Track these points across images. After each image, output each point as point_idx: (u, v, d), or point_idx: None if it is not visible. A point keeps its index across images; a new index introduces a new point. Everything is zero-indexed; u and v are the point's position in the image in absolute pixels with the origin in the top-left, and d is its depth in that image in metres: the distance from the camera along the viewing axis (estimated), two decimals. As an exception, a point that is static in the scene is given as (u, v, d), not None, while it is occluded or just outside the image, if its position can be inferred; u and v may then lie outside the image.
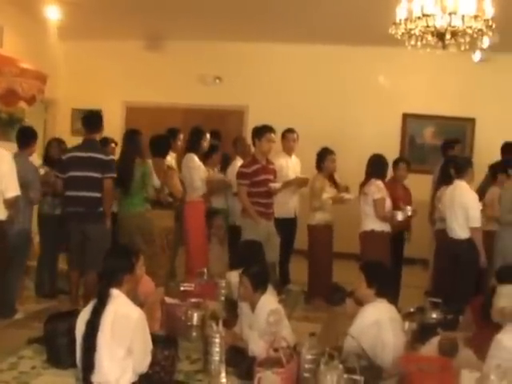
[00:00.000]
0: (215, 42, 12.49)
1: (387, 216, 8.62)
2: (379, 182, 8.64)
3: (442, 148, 10.24)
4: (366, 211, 8.72)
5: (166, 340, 5.91)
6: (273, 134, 8.92)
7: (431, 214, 9.67)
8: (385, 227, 8.68)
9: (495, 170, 9.22)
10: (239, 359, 5.86)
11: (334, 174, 9.42)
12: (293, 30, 11.36)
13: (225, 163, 10.16)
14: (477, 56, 11.03)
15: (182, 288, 7.73)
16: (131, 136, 8.84)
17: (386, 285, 6.20)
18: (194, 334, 6.86)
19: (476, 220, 8.25)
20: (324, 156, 9.25)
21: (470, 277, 8.17)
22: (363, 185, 8.82)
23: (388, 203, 8.67)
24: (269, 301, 6.37)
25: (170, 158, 9.46)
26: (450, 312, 7.53)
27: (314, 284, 9.24)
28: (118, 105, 13.33)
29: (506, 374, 4.68)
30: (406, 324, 6.99)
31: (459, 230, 8.34)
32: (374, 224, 8.65)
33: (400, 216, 8.68)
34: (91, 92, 13.04)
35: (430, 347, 6.04)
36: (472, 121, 12.45)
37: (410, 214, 8.78)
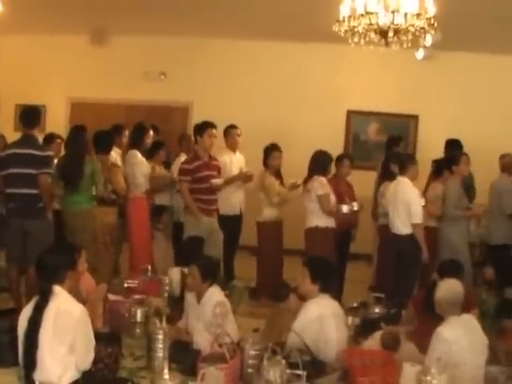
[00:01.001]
0: (160, 38, 12.38)
1: (333, 211, 8.65)
2: (322, 179, 8.65)
3: (387, 145, 10.32)
4: (309, 208, 8.73)
5: (110, 337, 5.89)
6: (214, 130, 8.95)
7: (374, 210, 9.74)
8: (329, 223, 8.69)
9: (439, 166, 9.31)
10: (183, 355, 5.85)
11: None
12: (237, 25, 11.35)
13: (168, 160, 10.10)
14: (420, 54, 11.18)
15: (125, 285, 7.70)
16: (76, 133, 8.73)
17: (330, 281, 6.25)
18: (138, 330, 6.83)
19: (418, 216, 8.34)
20: (270, 152, 9.27)
21: (412, 272, 8.25)
22: (306, 181, 8.84)
23: (332, 198, 8.70)
24: (216, 293, 6.41)
25: (115, 155, 9.37)
26: (393, 306, 7.63)
27: (263, 280, 9.26)
28: (63, 101, 13.17)
29: (446, 367, 4.76)
30: (350, 319, 7.07)
31: (401, 226, 8.42)
32: (318, 220, 8.66)
33: (345, 209, 8.74)
34: (35, 88, 12.84)
35: (373, 341, 6.10)
36: (415, 118, 12.57)
37: (356, 208, 8.85)
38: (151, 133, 9.51)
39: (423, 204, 8.60)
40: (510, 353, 6.53)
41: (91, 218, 8.44)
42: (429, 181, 9.70)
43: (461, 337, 5.50)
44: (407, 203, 8.33)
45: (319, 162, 8.81)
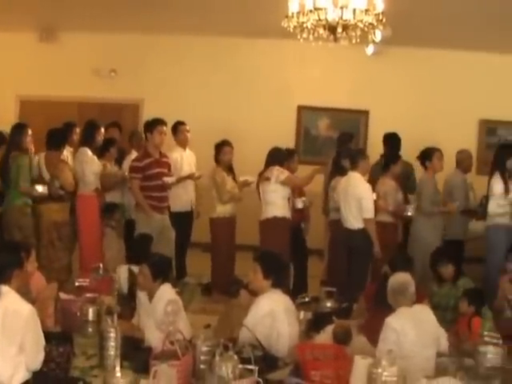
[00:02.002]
0: (110, 35, 12.26)
1: (307, 181, 8.85)
2: (277, 166, 8.69)
3: (339, 141, 10.34)
4: (266, 199, 8.76)
5: (61, 336, 5.85)
6: (164, 127, 8.94)
7: (325, 205, 9.76)
8: (286, 213, 8.73)
9: (387, 161, 9.37)
10: (135, 353, 5.83)
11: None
12: (187, 21, 11.28)
13: (120, 157, 10.04)
14: (370, 49, 11.23)
15: (76, 283, 7.64)
16: (13, 130, 8.77)
17: (283, 276, 6.27)
18: (90, 329, 6.76)
19: (369, 211, 8.41)
20: (221, 148, 9.27)
21: (363, 266, 8.32)
22: (262, 174, 8.87)
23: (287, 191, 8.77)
24: (167, 291, 6.38)
25: (66, 153, 9.31)
26: (344, 300, 7.69)
27: (216, 276, 9.26)
28: (12, 99, 12.98)
29: (396, 358, 4.81)
30: (302, 313, 7.11)
31: (353, 221, 8.48)
32: (276, 211, 8.68)
33: (300, 204, 8.78)
34: (-17, 86, 12.70)
35: (325, 335, 6.15)
36: (366, 113, 12.65)
37: (307, 204, 8.91)
38: (102, 130, 9.46)
39: (374, 199, 8.67)
40: (459, 345, 6.65)
41: (24, 215, 8.43)
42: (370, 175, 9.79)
43: (409, 327, 5.60)
44: (358, 198, 8.40)
45: (276, 157, 8.84)
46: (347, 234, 8.58)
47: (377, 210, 8.72)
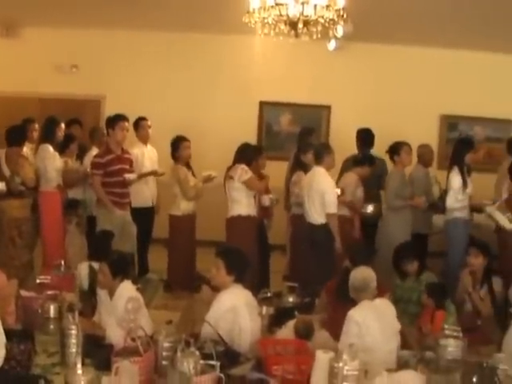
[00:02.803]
0: (71, 30, 12.14)
1: (264, 188, 8.79)
2: (244, 166, 8.66)
3: (300, 136, 10.37)
4: (232, 196, 8.75)
5: (22, 334, 5.78)
6: (126, 123, 8.90)
7: (286, 200, 9.76)
8: (251, 212, 8.74)
9: (364, 160, 9.44)
10: (97, 350, 5.80)
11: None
12: (149, 17, 11.22)
13: (81, 153, 9.98)
14: (332, 45, 11.29)
15: (38, 280, 7.59)
16: None
17: (245, 271, 6.26)
18: (52, 326, 6.70)
19: (332, 205, 8.44)
20: (179, 144, 9.23)
21: (326, 261, 8.34)
22: (229, 170, 8.86)
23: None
24: (127, 288, 6.35)
25: (27, 149, 9.23)
26: (307, 295, 7.71)
27: (175, 273, 9.23)
28: (-28, 95, 12.88)
29: (357, 352, 4.83)
30: (264, 308, 7.12)
31: (316, 216, 8.51)
32: (240, 209, 8.69)
33: (267, 201, 8.79)
34: None
35: (287, 330, 6.17)
36: (328, 108, 12.67)
37: (274, 202, 8.94)
38: (63, 126, 9.40)
39: (339, 194, 8.72)
40: (421, 339, 6.72)
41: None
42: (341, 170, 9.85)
43: (371, 320, 5.67)
44: (321, 193, 8.43)
45: (244, 153, 8.83)
46: (310, 228, 8.60)
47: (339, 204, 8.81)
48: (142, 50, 12.43)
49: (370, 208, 9.09)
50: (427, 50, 12.21)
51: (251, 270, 7.85)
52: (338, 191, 8.78)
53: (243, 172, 8.61)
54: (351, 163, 9.64)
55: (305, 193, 8.68)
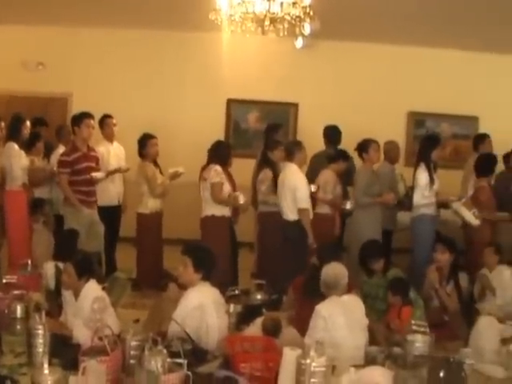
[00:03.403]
0: (37, 27, 12.03)
1: (224, 200, 8.66)
2: (217, 167, 8.63)
3: (265, 133, 10.40)
4: (205, 196, 8.73)
5: (-12, 335, 5.76)
6: (92, 121, 8.86)
7: (254, 198, 9.75)
8: (225, 212, 8.73)
9: (338, 156, 9.47)
10: (64, 350, 5.76)
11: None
12: (116, 15, 11.17)
13: (48, 151, 9.91)
14: (299, 42, 11.27)
15: (4, 280, 7.52)
16: None
17: (213, 269, 6.25)
18: (18, 327, 6.64)
19: (303, 201, 8.49)
20: (147, 141, 9.20)
21: (298, 257, 8.35)
22: (203, 169, 8.84)
23: (227, 188, 8.72)
24: (93, 288, 6.30)
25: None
26: (274, 293, 7.71)
27: (144, 271, 9.20)
28: None
29: (325, 348, 4.84)
30: (231, 306, 7.11)
31: (288, 212, 8.57)
32: (214, 209, 8.68)
33: (242, 199, 8.78)
34: None
35: (255, 328, 6.16)
36: (295, 105, 12.69)
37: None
38: (28, 124, 9.32)
39: (314, 190, 8.75)
40: (389, 335, 6.75)
41: None
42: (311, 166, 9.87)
43: (337, 315, 5.71)
44: (293, 189, 8.50)
45: (218, 151, 8.82)
46: (283, 225, 8.69)
47: (316, 201, 8.83)
48: (108, 48, 12.36)
49: (348, 204, 9.11)
50: (394, 48, 12.29)
51: (224, 269, 7.94)
52: (314, 188, 8.83)
53: (215, 174, 8.60)
54: (325, 160, 9.66)
55: (279, 190, 8.73)
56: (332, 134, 10.26)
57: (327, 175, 9.27)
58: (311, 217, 8.77)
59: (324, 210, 9.18)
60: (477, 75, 12.52)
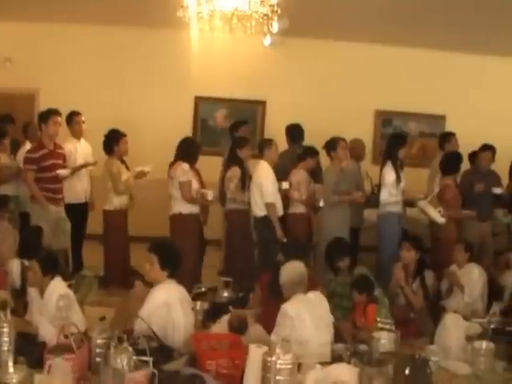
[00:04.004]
0: (4, 23, 11.92)
1: (194, 198, 8.66)
2: (185, 165, 8.64)
3: (230, 130, 10.44)
4: (173, 194, 8.74)
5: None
6: (59, 118, 8.82)
7: (221, 195, 9.74)
8: (193, 209, 8.74)
9: (306, 154, 9.47)
10: (29, 348, 5.72)
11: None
12: (83, 10, 11.05)
13: (14, 148, 9.84)
14: (267, 40, 11.30)
15: (-32, 279, 7.48)
16: None
17: (179, 266, 6.24)
18: (-17, 325, 6.63)
19: (270, 196, 8.57)
20: (118, 138, 9.16)
21: (267, 254, 8.37)
22: (171, 167, 8.83)
23: (195, 185, 8.71)
24: (58, 286, 6.27)
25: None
26: (241, 290, 7.73)
27: (110, 269, 9.18)
28: None
29: (291, 345, 4.85)
30: (198, 304, 7.12)
31: (257, 209, 8.63)
32: (181, 207, 8.68)
33: (210, 196, 8.76)
34: None
35: (221, 325, 6.18)
36: (263, 103, 12.71)
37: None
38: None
39: (286, 187, 8.78)
40: (355, 332, 6.79)
41: None
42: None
43: (304, 313, 5.72)
44: (259, 184, 8.58)
45: (185, 149, 8.81)
46: (253, 222, 8.89)
47: (291, 201, 8.87)
48: (76, 44, 12.26)
49: (322, 202, 9.14)
50: (362, 46, 12.32)
51: (191, 266, 7.94)
52: (286, 185, 8.87)
53: (182, 173, 8.61)
54: (291, 158, 9.68)
55: (250, 187, 8.86)
56: (295, 132, 10.30)
57: (299, 176, 9.27)
58: (280, 213, 8.82)
59: (299, 209, 9.22)
60: (444, 74, 12.60)
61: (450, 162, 9.24)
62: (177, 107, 12.40)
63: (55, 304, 5.98)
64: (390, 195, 8.85)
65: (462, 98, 12.58)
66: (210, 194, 8.79)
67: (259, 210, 8.69)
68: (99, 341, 5.46)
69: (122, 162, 9.28)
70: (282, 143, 10.01)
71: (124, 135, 9.25)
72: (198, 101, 12.68)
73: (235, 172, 9.08)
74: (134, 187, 9.30)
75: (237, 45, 10.97)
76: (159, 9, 9.88)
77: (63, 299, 6.00)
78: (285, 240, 8.50)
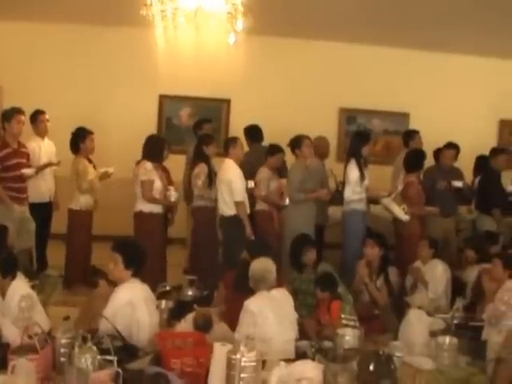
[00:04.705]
0: (-36, 21, 11.90)
1: (154, 198, 8.63)
2: (148, 164, 8.61)
3: (194, 128, 10.46)
4: (136, 193, 8.70)
5: None
6: (22, 116, 8.75)
7: (186, 193, 9.72)
8: (154, 208, 8.69)
9: (269, 151, 9.50)
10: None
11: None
12: (47, 8, 11.00)
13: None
14: (231, 38, 11.28)
15: None
16: None
17: (143, 265, 6.23)
18: None
19: (239, 194, 8.58)
20: (85, 135, 9.12)
21: (236, 252, 8.37)
22: (138, 163, 8.82)
23: (158, 185, 8.68)
24: (20, 286, 6.22)
25: None
26: (206, 288, 7.73)
27: (73, 268, 9.11)
28: None
29: (254, 342, 4.88)
30: (163, 302, 7.11)
31: (225, 208, 8.64)
32: (142, 205, 8.65)
33: (173, 197, 8.74)
34: None
35: (186, 324, 6.17)
36: (227, 102, 12.72)
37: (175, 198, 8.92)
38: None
39: (251, 186, 8.80)
40: (320, 329, 6.82)
41: None
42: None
43: (267, 309, 5.76)
44: (228, 183, 8.59)
45: (150, 147, 8.78)
46: (221, 220, 8.86)
47: (256, 199, 8.93)
48: (40, 42, 12.17)
49: (287, 200, 9.17)
50: (327, 44, 12.40)
51: (154, 265, 7.93)
52: (252, 183, 8.89)
53: (144, 172, 8.59)
54: (258, 157, 9.72)
55: (217, 186, 8.86)
56: (252, 133, 10.33)
57: (262, 173, 9.33)
58: (248, 211, 8.84)
59: (261, 206, 9.25)
60: (408, 72, 12.71)
61: (413, 159, 9.31)
62: (142, 105, 12.34)
63: (17, 305, 5.95)
64: (353, 193, 8.91)
65: (426, 95, 12.70)
66: (174, 195, 8.76)
67: (228, 209, 8.70)
68: (63, 340, 5.43)
69: (90, 161, 9.23)
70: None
71: (91, 133, 9.20)
72: (163, 99, 12.66)
73: (202, 169, 9.08)
74: (99, 188, 9.25)
75: (201, 43, 10.92)
76: (123, 7, 9.85)
77: (25, 300, 5.96)
78: (253, 237, 8.53)
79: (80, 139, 9.12)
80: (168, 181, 9.06)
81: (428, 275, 8.17)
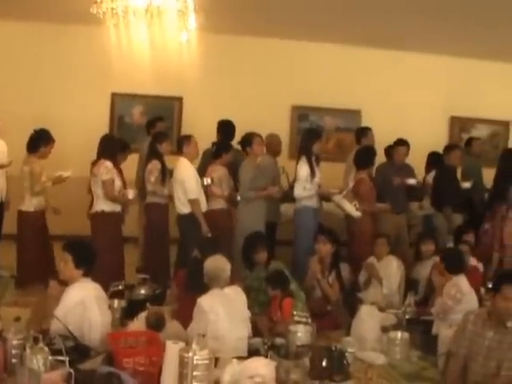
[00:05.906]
0: None
1: (117, 197, 8.59)
2: (108, 163, 8.52)
3: (146, 126, 10.44)
4: (96, 192, 8.60)
5: None
6: None
7: (141, 190, 9.63)
8: (115, 208, 8.64)
9: (218, 149, 9.47)
10: None
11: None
12: (2, 6, 10.92)
13: None
14: (184, 36, 11.26)
15: None
16: None
17: (94, 264, 6.20)
18: None
19: (193, 192, 8.58)
20: (47, 141, 9.01)
21: (188, 250, 8.37)
22: (94, 164, 8.72)
23: (118, 184, 8.62)
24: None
25: None
26: (158, 287, 7.72)
27: (25, 269, 9.01)
28: None
29: (207, 340, 4.90)
30: (115, 301, 7.09)
31: (181, 206, 8.65)
32: (104, 205, 8.56)
33: (131, 194, 8.70)
34: None
35: (139, 323, 6.16)
36: (179, 99, 12.68)
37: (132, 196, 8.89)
38: None
39: (208, 183, 8.79)
40: (272, 327, 6.86)
41: None
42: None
43: (218, 308, 5.78)
44: (182, 181, 8.57)
45: (106, 146, 8.72)
46: (178, 219, 8.85)
47: (211, 197, 8.89)
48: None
49: (238, 197, 9.17)
50: (278, 42, 12.42)
51: (115, 264, 7.91)
52: (208, 181, 8.88)
53: (104, 171, 8.49)
54: (209, 155, 9.71)
55: (172, 185, 8.87)
56: (225, 128, 10.25)
57: (220, 172, 9.26)
58: (204, 210, 8.83)
59: (219, 205, 9.20)
60: (359, 70, 12.80)
61: (364, 157, 9.41)
62: (93, 104, 12.24)
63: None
64: (304, 190, 8.95)
65: (377, 93, 12.80)
66: (131, 193, 8.74)
67: (183, 207, 8.69)
68: (15, 342, 5.41)
69: (43, 161, 9.17)
70: (200, 139, 9.96)
71: (54, 140, 9.10)
72: (115, 97, 12.57)
73: (155, 165, 9.05)
74: (50, 191, 9.16)
75: (153, 41, 10.89)
76: (74, 4, 9.78)
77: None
78: (210, 235, 8.53)
79: (43, 142, 9.00)
80: (122, 180, 9.03)
81: (382, 271, 8.26)
